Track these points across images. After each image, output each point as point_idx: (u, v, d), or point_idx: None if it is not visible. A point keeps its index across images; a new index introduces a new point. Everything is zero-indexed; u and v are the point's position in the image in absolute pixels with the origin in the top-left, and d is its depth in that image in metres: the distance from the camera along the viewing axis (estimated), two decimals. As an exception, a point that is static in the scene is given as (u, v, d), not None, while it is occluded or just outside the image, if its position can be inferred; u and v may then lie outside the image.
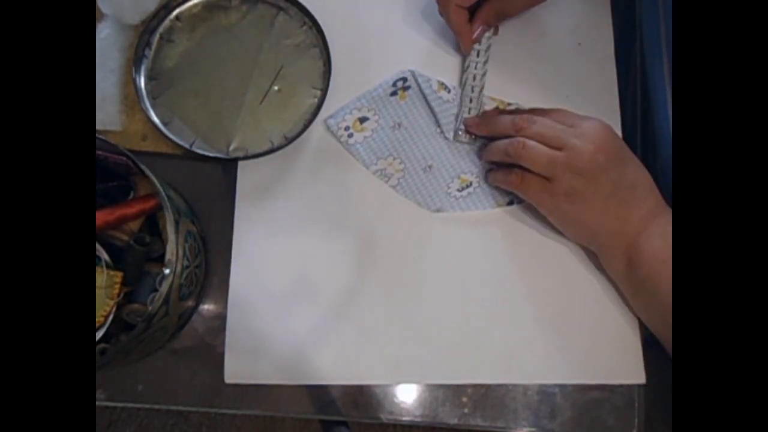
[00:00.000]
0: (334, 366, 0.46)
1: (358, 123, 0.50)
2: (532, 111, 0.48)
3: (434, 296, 0.48)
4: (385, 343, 0.47)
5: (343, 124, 0.50)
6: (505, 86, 0.52)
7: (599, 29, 0.54)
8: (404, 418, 0.46)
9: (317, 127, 0.51)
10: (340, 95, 0.51)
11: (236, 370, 0.46)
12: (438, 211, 0.49)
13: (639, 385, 0.46)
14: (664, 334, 0.43)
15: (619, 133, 0.51)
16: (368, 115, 0.51)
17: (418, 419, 0.46)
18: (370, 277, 0.48)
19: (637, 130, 0.53)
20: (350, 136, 0.50)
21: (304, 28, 0.51)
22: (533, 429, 0.46)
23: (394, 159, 0.50)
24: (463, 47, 0.51)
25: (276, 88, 0.50)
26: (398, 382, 0.46)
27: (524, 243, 0.49)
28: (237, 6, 0.52)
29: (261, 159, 0.49)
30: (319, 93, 0.50)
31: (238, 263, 0.48)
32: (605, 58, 0.53)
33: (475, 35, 0.50)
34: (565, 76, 0.52)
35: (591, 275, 0.48)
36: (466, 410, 0.46)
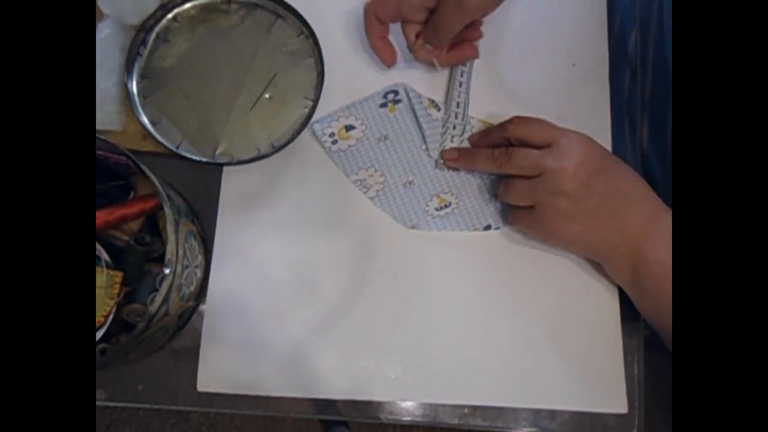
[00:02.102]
0: (308, 381, 0.46)
1: (344, 130, 0.50)
2: (511, 122, 0.47)
3: (415, 315, 0.47)
4: (362, 357, 0.46)
5: (329, 130, 0.50)
6: (498, 104, 0.52)
7: (595, 50, 0.53)
8: (404, 419, 0.46)
9: (305, 137, 0.50)
10: (331, 107, 0.51)
11: (209, 378, 0.46)
12: (413, 227, 0.49)
13: (639, 386, 0.46)
14: (671, 335, 0.43)
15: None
16: (355, 123, 0.50)
17: (418, 419, 0.46)
18: (352, 290, 0.48)
19: (636, 151, 0.52)
20: (334, 142, 0.50)
21: (301, 37, 0.51)
22: (533, 429, 0.46)
23: (375, 171, 0.50)
24: (384, 62, 0.51)
25: (267, 95, 0.50)
26: (371, 398, 0.46)
27: (504, 269, 0.48)
28: (235, 10, 0.52)
29: (246, 166, 0.48)
30: (310, 104, 0.50)
31: (217, 271, 0.48)
32: (599, 80, 0.52)
33: (417, 53, 0.50)
34: (559, 95, 0.52)
35: (574, 304, 0.47)
36: (466, 410, 0.46)
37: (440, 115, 0.51)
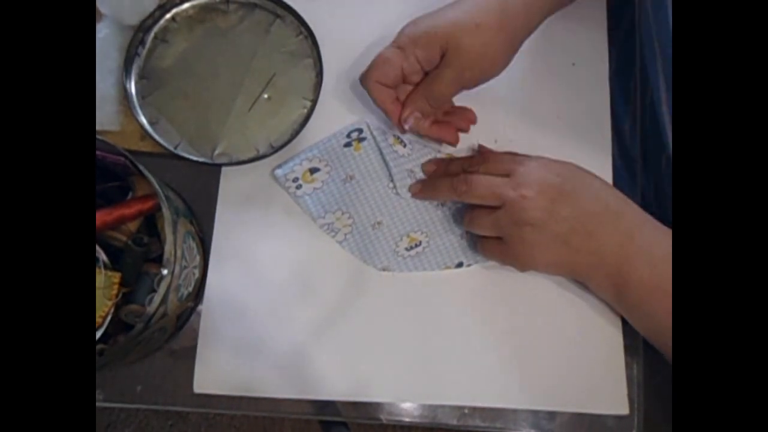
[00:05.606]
0: (307, 381, 0.46)
1: (308, 174, 0.49)
2: (472, 158, 0.47)
3: (415, 315, 0.47)
4: (362, 358, 0.46)
5: (292, 176, 0.48)
6: (497, 104, 0.51)
7: (594, 49, 0.53)
8: (404, 419, 0.46)
9: (303, 137, 0.50)
10: (329, 108, 0.51)
11: (206, 380, 0.46)
12: (384, 270, 0.48)
13: (638, 387, 0.46)
14: (664, 347, 0.42)
15: (610, 155, 0.50)
16: (320, 165, 0.49)
17: (418, 420, 0.46)
18: (351, 290, 0.48)
19: (636, 152, 0.52)
20: (299, 187, 0.48)
21: (300, 37, 0.51)
22: (532, 430, 0.46)
23: (343, 213, 0.48)
24: (395, 124, 0.48)
25: (266, 95, 0.50)
26: (371, 399, 0.46)
27: (503, 270, 0.48)
28: (234, 10, 0.52)
29: (245, 166, 0.48)
30: (308, 104, 0.49)
31: (215, 272, 0.48)
32: (599, 79, 0.52)
33: (405, 123, 0.47)
34: (558, 95, 0.52)
35: (574, 305, 0.47)
36: (465, 411, 0.46)
37: (406, 151, 0.49)
